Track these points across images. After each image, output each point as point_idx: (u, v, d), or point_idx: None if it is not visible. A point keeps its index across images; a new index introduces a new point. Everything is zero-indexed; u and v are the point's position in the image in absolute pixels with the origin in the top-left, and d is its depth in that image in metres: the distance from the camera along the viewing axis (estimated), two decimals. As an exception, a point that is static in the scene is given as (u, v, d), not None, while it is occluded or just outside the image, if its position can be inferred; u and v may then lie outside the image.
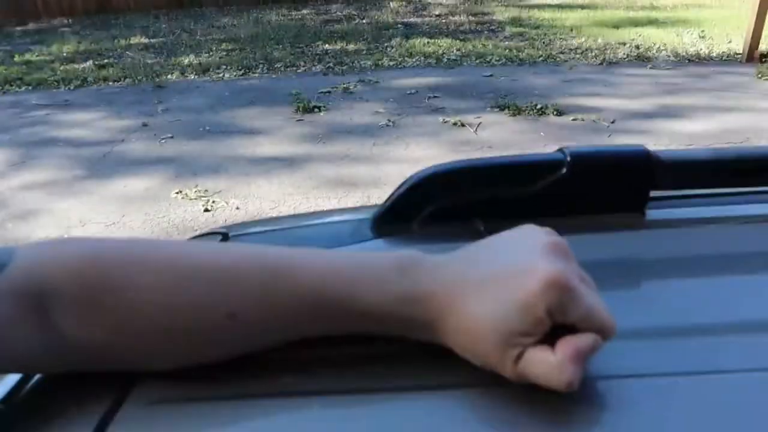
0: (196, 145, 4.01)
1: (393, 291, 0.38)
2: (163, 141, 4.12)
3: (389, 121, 4.25)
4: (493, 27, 7.59)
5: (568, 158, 0.54)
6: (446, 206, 0.54)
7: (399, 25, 7.86)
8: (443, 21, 8.07)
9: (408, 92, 4.94)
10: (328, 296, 0.39)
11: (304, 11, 9.31)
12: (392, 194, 0.56)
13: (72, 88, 5.61)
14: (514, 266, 0.36)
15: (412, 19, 8.31)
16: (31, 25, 9.20)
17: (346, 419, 0.35)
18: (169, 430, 0.35)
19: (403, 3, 9.55)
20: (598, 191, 0.55)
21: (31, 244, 0.42)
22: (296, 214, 0.63)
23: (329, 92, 5.04)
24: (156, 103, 4.98)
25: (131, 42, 7.50)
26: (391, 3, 9.55)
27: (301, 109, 4.57)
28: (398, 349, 0.39)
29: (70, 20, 9.41)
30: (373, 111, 4.53)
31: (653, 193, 0.57)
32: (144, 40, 7.60)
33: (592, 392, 0.35)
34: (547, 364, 0.34)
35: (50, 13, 9.71)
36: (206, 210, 3.06)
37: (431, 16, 8.48)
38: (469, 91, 4.92)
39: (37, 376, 0.42)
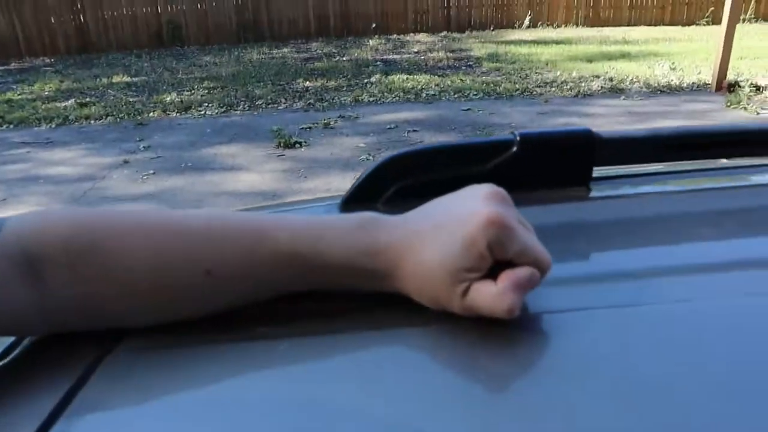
0: (178, 181, 4.03)
1: (355, 245, 0.43)
2: (144, 177, 4.14)
3: (369, 154, 4.32)
4: (470, 63, 7.76)
5: (518, 138, 0.60)
6: (408, 186, 0.59)
7: (378, 62, 8.01)
8: (422, 57, 8.25)
9: (388, 127, 5.02)
10: (297, 251, 0.43)
11: (285, 49, 9.46)
12: (358, 178, 0.61)
13: (54, 126, 5.63)
14: (458, 213, 0.41)
15: (391, 56, 8.48)
16: (13, 64, 9.26)
17: (312, 357, 0.39)
18: (154, 372, 0.39)
19: (383, 41, 9.75)
20: (546, 168, 0.61)
21: (21, 214, 0.45)
22: (266, 204, 0.66)
23: (310, 128, 5.11)
24: (137, 140, 5.01)
25: (113, 80, 7.56)
26: (370, 41, 9.75)
27: (282, 144, 4.62)
28: (361, 301, 0.44)
29: (52, 59, 9.47)
30: (353, 145, 4.59)
31: (599, 173, 0.63)
32: (126, 78, 7.67)
33: (535, 325, 0.40)
34: (490, 294, 0.39)
35: (32, 52, 9.78)
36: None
37: (410, 53, 8.66)
38: (447, 124, 5.01)
39: (27, 340, 0.45)
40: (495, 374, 0.35)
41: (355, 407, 0.33)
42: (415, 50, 8.88)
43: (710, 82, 5.78)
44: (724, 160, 0.67)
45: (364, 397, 0.34)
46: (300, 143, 4.67)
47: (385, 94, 6.18)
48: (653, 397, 0.32)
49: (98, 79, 7.66)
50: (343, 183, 3.80)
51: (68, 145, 5.01)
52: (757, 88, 5.47)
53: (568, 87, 6.06)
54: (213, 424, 0.34)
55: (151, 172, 4.22)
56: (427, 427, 0.31)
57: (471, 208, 0.41)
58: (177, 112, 5.88)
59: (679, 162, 0.66)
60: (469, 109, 5.46)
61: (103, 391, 0.38)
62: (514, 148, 0.60)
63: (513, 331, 0.39)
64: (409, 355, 0.39)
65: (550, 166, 0.61)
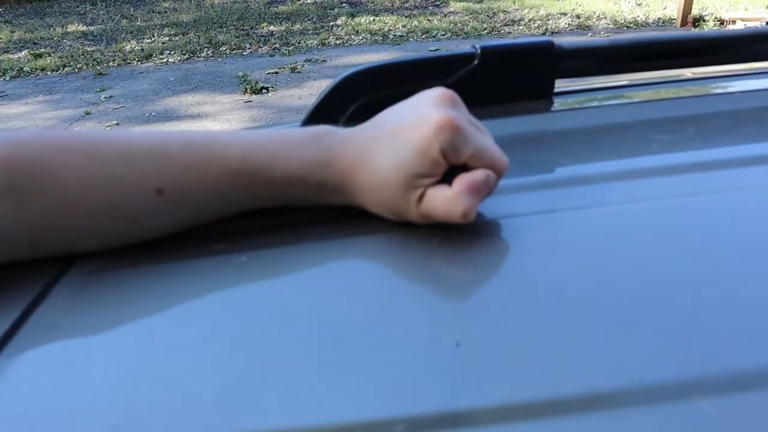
0: (143, 131, 3.93)
1: (309, 157, 0.42)
2: (107, 128, 4.03)
3: (338, 98, 4.25)
4: (437, 2, 7.61)
5: (479, 51, 0.59)
6: (370, 102, 0.58)
7: (344, 4, 7.80)
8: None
9: (356, 69, 4.93)
10: (250, 166, 0.42)
11: (247, -7, 9.15)
12: (318, 96, 0.60)
13: (8, 79, 5.41)
14: (410, 120, 0.40)
15: (357, -3, 8.26)
16: (-42, 17, 8.80)
17: (273, 268, 0.39)
18: (111, 291, 0.38)
19: (347, -19, 9.47)
20: (508, 81, 0.61)
21: None
22: (232, 130, 0.65)
23: (276, 73, 5.00)
24: (98, 90, 4.85)
25: (68, 30, 7.24)
26: (335, -18, 9.47)
27: (248, 90, 4.52)
28: (319, 213, 0.44)
29: (0, 9, 9.01)
30: (321, 88, 4.50)
31: (563, 88, 0.63)
32: (81, 27, 7.35)
33: (497, 229, 0.41)
34: (445, 198, 0.38)
35: (-21, 3, 9.29)
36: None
37: (376, -6, 8.45)
38: (416, 65, 4.94)
39: None
40: (457, 280, 0.36)
41: (318, 314, 0.33)
42: (381, -9, 8.66)
43: (675, 17, 5.78)
44: (688, 73, 0.68)
45: (327, 305, 0.34)
46: (267, 89, 4.57)
47: (352, 36, 6.05)
48: (612, 292, 0.32)
49: (52, 29, 7.33)
50: (313, 128, 3.75)
51: (24, 98, 4.83)
52: (722, 22, 5.49)
53: (536, 25, 6.00)
54: (172, 338, 0.33)
55: (115, 122, 4.10)
56: (389, 332, 0.31)
57: (422, 113, 0.40)
58: (138, 61, 5.69)
59: (642, 76, 0.67)
60: (437, 50, 5.38)
61: (57, 313, 0.37)
62: (476, 61, 0.59)
63: (475, 237, 0.39)
64: (369, 264, 0.39)
65: (513, 78, 0.61)
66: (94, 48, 6.26)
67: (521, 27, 5.99)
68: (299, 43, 5.94)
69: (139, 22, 7.44)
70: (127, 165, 0.41)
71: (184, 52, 5.82)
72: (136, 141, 0.43)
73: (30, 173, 0.40)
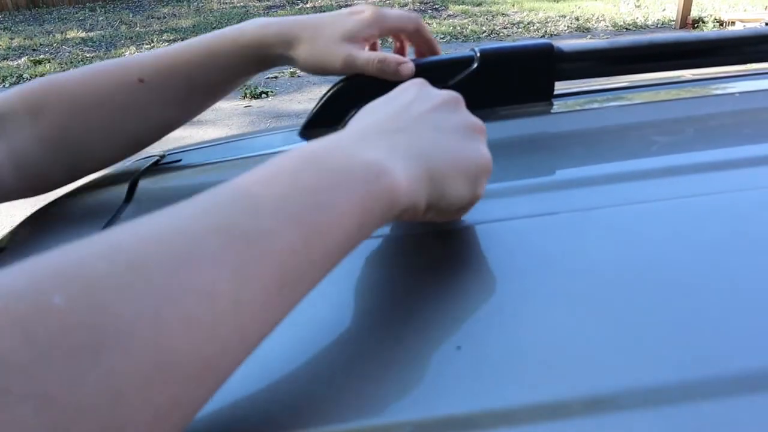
0: (143, 137, 3.94)
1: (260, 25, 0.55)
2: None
3: (338, 102, 4.26)
4: (436, 6, 7.62)
5: (478, 54, 0.59)
6: None
7: (343, 9, 7.82)
8: (387, 2, 8.07)
9: (355, 73, 4.94)
10: (220, 47, 0.54)
11: (246, -2, 9.17)
12: (318, 102, 0.60)
13: (7, 85, 5.42)
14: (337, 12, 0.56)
15: (356, 2, 8.27)
16: (-42, 24, 8.82)
17: None
18: None
19: (346, -15, 9.50)
20: (508, 84, 0.61)
21: None
22: (229, 136, 0.66)
23: (276, 77, 5.01)
24: (98, 97, 4.85)
25: (67, 36, 7.26)
26: (333, -14, 9.49)
27: (248, 95, 4.53)
28: None
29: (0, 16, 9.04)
30: (320, 93, 4.50)
31: (563, 90, 0.63)
32: (81, 33, 7.37)
33: (498, 230, 0.40)
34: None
35: (-22, 10, 9.31)
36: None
37: (375, -2, 8.47)
38: (415, 69, 4.95)
39: None
40: (457, 283, 0.35)
41: (318, 317, 0.33)
42: (380, -5, 8.68)
43: (675, 19, 5.79)
44: (688, 75, 0.67)
45: (326, 308, 0.34)
46: (266, 93, 4.57)
47: (351, 40, 6.06)
48: (614, 294, 0.32)
49: (51, 35, 7.35)
50: (312, 132, 3.76)
51: (25, 105, 4.84)
52: (721, 23, 5.50)
53: (535, 28, 6.00)
54: None
55: (115, 128, 4.11)
56: (390, 336, 0.31)
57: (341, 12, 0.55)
58: (137, 67, 5.70)
59: (642, 77, 0.67)
60: (436, 54, 5.39)
61: None
62: (475, 65, 0.59)
63: (476, 239, 0.39)
64: (368, 267, 0.38)
65: (512, 81, 0.61)
66: (93, 54, 6.27)
67: (520, 29, 6.00)
68: (298, 47, 5.95)
69: (138, 28, 7.46)
70: (113, 63, 0.52)
71: (183, 58, 5.84)
72: (134, 60, 0.54)
73: (39, 96, 0.49)
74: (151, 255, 0.22)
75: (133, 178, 0.57)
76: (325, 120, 0.60)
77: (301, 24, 0.55)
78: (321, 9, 7.83)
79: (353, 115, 0.60)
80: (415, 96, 0.38)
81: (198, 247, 0.23)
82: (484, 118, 0.43)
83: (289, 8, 8.06)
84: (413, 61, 0.59)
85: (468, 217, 0.41)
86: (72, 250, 0.22)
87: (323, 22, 0.55)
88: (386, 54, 0.55)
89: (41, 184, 0.52)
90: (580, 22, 6.10)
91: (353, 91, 0.59)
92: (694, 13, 5.70)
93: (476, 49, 0.60)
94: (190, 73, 0.53)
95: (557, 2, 7.14)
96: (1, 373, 0.17)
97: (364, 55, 0.54)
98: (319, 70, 0.56)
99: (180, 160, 0.62)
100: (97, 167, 0.55)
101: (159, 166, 0.60)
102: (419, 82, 0.41)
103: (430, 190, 0.33)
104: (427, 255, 0.38)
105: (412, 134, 0.34)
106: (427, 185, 0.33)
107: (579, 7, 6.74)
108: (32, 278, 0.20)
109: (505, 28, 6.10)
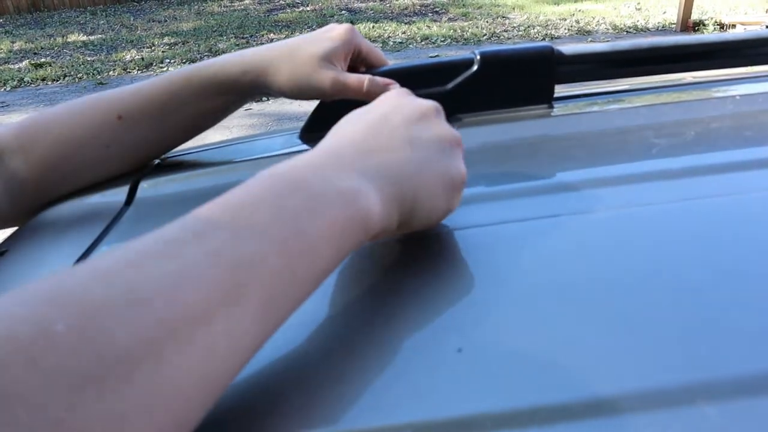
0: (144, 140, 3.94)
1: (237, 56, 0.55)
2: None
3: (338, 105, 4.26)
4: (436, 9, 7.64)
5: (478, 57, 0.59)
6: None
7: (344, 11, 7.83)
8: (387, 5, 8.08)
9: (356, 76, 4.94)
10: (194, 76, 0.55)
11: (246, 1, 9.18)
12: (317, 105, 0.60)
13: (8, 89, 5.43)
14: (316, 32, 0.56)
15: (356, 5, 8.29)
16: (-40, 28, 8.83)
17: None
18: None
19: (347, -11, 9.51)
20: (508, 86, 0.61)
21: None
22: (230, 139, 0.66)
23: (277, 80, 5.01)
24: (99, 100, 4.86)
25: (68, 39, 7.27)
26: (334, -11, 9.51)
27: (248, 98, 4.53)
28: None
29: (0, 19, 9.06)
30: (321, 96, 4.52)
31: (563, 93, 0.63)
32: (82, 37, 7.39)
33: (497, 233, 0.40)
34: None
35: (-20, 13, 9.33)
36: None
37: (375, 1, 8.47)
38: (416, 72, 4.95)
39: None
40: (458, 285, 0.35)
41: (317, 319, 0.33)
42: (381, -2, 8.69)
43: (675, 22, 5.79)
44: (688, 77, 0.67)
45: (326, 310, 0.34)
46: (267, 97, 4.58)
47: (352, 43, 6.06)
48: (614, 297, 0.32)
49: (52, 39, 7.36)
50: (313, 135, 3.76)
51: (25, 108, 4.84)
52: (722, 26, 5.50)
53: (536, 31, 6.01)
54: None
55: (115, 131, 4.11)
56: (390, 339, 0.31)
57: (321, 32, 0.56)
58: (138, 70, 5.71)
59: (642, 80, 0.67)
60: (437, 56, 5.38)
61: None
62: (475, 67, 0.59)
63: (476, 242, 0.39)
64: (368, 270, 0.38)
65: (512, 84, 0.61)
66: (94, 57, 6.28)
67: (521, 33, 6.00)
68: (299, 50, 5.96)
69: (139, 32, 7.47)
70: (96, 99, 0.55)
71: (184, 61, 5.84)
72: (112, 93, 0.56)
73: (31, 134, 0.53)
74: (147, 281, 0.22)
75: (133, 180, 0.57)
76: (324, 122, 0.60)
77: (277, 50, 0.55)
78: (322, 12, 7.84)
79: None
80: (392, 108, 0.38)
81: (192, 272, 0.23)
82: (484, 121, 0.43)
83: (289, 11, 8.07)
84: (414, 63, 0.59)
85: (469, 220, 0.41)
86: (68, 275, 0.22)
87: (299, 45, 0.55)
88: (373, 76, 0.55)
89: (31, 210, 0.56)
90: (581, 25, 6.10)
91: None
92: (695, 16, 5.70)
93: (476, 51, 0.60)
94: (165, 108, 0.55)
95: (558, 5, 7.15)
96: (8, 405, 0.17)
97: (352, 76, 0.54)
98: (302, 94, 0.55)
99: (180, 163, 0.62)
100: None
101: (159, 169, 0.60)
102: (400, 93, 0.41)
103: (402, 209, 0.34)
104: (428, 257, 0.38)
105: (387, 152, 0.35)
106: (400, 205, 0.34)
107: (579, 10, 6.75)
108: (32, 304, 0.20)
109: (506, 31, 6.11)
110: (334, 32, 0.55)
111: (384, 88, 0.54)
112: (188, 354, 0.22)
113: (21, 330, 0.19)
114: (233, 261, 0.25)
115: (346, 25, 0.56)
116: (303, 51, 0.54)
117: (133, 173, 0.59)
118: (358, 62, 0.60)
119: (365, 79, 0.54)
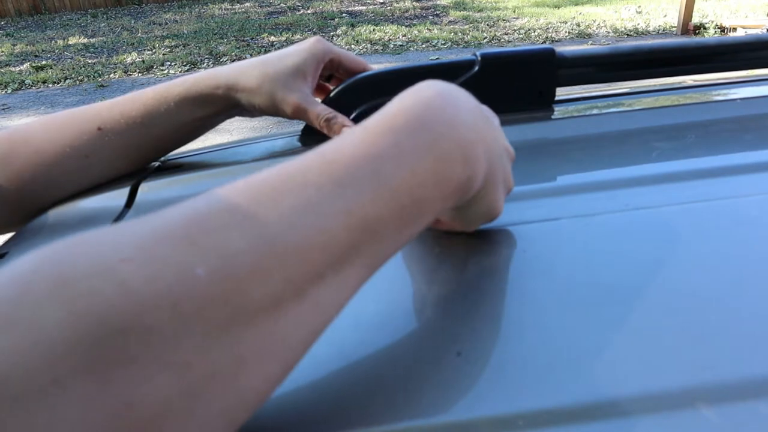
0: (144, 143, 3.94)
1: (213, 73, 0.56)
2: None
3: (339, 108, 4.27)
4: (437, 12, 7.65)
5: (479, 58, 0.59)
6: (370, 110, 0.58)
7: (344, 14, 7.85)
8: (388, 8, 8.09)
9: (356, 79, 4.95)
10: (169, 91, 0.55)
11: (247, 4, 9.20)
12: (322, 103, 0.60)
13: (9, 92, 5.43)
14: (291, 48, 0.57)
15: (357, 8, 8.30)
16: (-39, 30, 8.85)
17: None
18: None
19: (348, -8, 9.53)
20: (509, 88, 0.60)
21: None
22: (230, 141, 0.66)
23: (277, 83, 5.02)
24: (99, 102, 4.87)
25: (69, 42, 7.29)
26: (335, -8, 9.52)
27: (249, 101, 4.54)
28: None
29: (2, 22, 9.07)
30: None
31: (564, 96, 0.63)
32: (83, 39, 7.40)
33: (501, 236, 0.40)
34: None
35: (-19, 16, 9.34)
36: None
37: (376, 4, 8.49)
38: (416, 75, 4.96)
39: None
40: (458, 288, 0.35)
41: None
42: (381, 0, 8.70)
43: (676, 25, 5.80)
44: (689, 81, 0.67)
45: None
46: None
47: (353, 45, 6.07)
48: (615, 300, 0.32)
49: (53, 41, 7.38)
50: (314, 138, 3.76)
51: (26, 111, 4.84)
52: (722, 29, 5.51)
53: (536, 34, 6.02)
54: None
55: (116, 134, 4.12)
56: (390, 341, 0.31)
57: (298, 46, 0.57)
58: (139, 73, 5.71)
59: (643, 83, 0.67)
60: (437, 59, 5.38)
61: None
62: (476, 68, 0.59)
63: (477, 245, 0.39)
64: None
65: (513, 86, 0.61)
66: (95, 60, 6.29)
67: (521, 35, 6.01)
68: (300, 53, 5.97)
69: (140, 34, 7.48)
70: (76, 111, 0.55)
71: (184, 63, 5.85)
72: (92, 107, 0.57)
73: (10, 145, 0.53)
74: (283, 233, 0.23)
75: (133, 183, 0.56)
76: None
77: (248, 65, 0.55)
78: (322, 15, 7.85)
79: (354, 117, 0.61)
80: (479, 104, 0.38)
81: (326, 230, 0.24)
82: None
83: (290, 14, 8.09)
84: (417, 63, 0.59)
85: None
86: (204, 211, 0.23)
87: (269, 61, 0.55)
88: (335, 113, 0.56)
89: (18, 221, 0.56)
90: (581, 27, 6.11)
91: (354, 93, 0.60)
92: (696, 20, 5.71)
93: (478, 52, 0.60)
94: (143, 120, 0.55)
95: (558, 8, 7.16)
96: (149, 344, 0.19)
97: (314, 109, 0.55)
98: (270, 112, 0.56)
99: (181, 166, 0.61)
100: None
101: (160, 171, 0.60)
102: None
103: (476, 185, 0.33)
104: (427, 260, 0.38)
105: (486, 132, 0.35)
106: (481, 179, 0.33)
107: (580, 13, 6.76)
108: (172, 244, 0.21)
109: (507, 34, 6.11)
110: (302, 45, 0.56)
111: (339, 130, 0.56)
112: (303, 309, 0.23)
113: (164, 274, 0.20)
114: (361, 223, 0.25)
115: (314, 38, 0.57)
116: (272, 67, 0.55)
117: (133, 175, 0.59)
118: (338, 70, 0.61)
119: (324, 115, 0.56)
